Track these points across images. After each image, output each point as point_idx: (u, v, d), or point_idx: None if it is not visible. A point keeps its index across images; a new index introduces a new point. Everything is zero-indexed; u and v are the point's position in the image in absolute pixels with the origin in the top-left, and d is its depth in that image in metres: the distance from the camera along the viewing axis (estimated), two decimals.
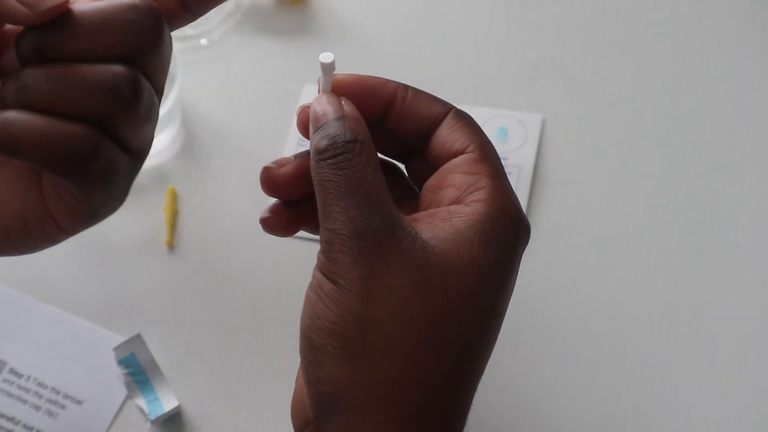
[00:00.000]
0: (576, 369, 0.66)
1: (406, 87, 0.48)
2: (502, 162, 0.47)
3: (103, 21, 0.43)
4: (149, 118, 0.44)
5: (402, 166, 0.50)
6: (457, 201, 0.45)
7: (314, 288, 0.44)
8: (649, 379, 0.65)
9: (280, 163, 0.48)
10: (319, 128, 0.45)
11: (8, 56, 0.44)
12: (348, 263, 0.42)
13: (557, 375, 0.66)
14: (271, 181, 0.48)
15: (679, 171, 0.72)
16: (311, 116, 0.46)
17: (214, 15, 0.80)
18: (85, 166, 0.43)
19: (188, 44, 0.78)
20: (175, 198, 0.72)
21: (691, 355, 0.66)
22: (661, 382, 0.65)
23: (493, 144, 0.47)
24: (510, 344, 0.67)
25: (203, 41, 0.79)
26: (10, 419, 0.65)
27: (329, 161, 0.44)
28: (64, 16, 0.42)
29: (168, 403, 0.64)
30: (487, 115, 0.74)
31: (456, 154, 0.47)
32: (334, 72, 0.47)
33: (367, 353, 0.42)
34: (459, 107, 0.48)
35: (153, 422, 0.63)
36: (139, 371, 0.64)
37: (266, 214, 0.49)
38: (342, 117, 0.45)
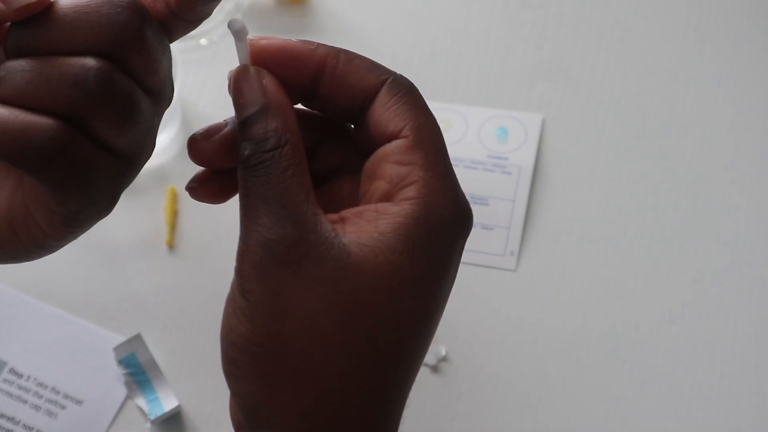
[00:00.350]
0: (576, 368, 0.66)
1: (338, 53, 0.44)
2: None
3: (78, 15, 0.42)
4: (128, 118, 0.42)
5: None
6: (387, 196, 0.42)
7: (229, 300, 0.42)
8: (650, 379, 0.65)
9: (209, 133, 0.45)
10: (243, 122, 0.43)
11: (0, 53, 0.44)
12: (255, 276, 0.40)
13: (557, 374, 0.66)
14: (199, 153, 0.45)
15: (678, 171, 0.72)
16: (232, 96, 0.43)
17: (214, 15, 0.80)
18: (49, 161, 0.41)
19: (188, 44, 0.78)
20: (175, 198, 0.72)
21: (691, 354, 0.66)
22: (661, 382, 0.65)
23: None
24: (510, 344, 0.67)
25: (203, 41, 0.79)
26: (10, 419, 0.65)
27: (249, 170, 0.42)
28: (44, 12, 0.42)
29: (168, 403, 0.64)
30: (486, 115, 0.74)
31: (389, 138, 0.43)
32: (251, 37, 0.44)
33: (279, 371, 0.41)
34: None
35: (153, 422, 0.63)
36: (139, 371, 0.64)
37: (192, 184, 0.46)
38: (264, 109, 0.42)
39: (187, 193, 0.49)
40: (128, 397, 0.65)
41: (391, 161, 0.42)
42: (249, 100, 0.43)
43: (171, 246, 0.70)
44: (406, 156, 0.42)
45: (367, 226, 0.41)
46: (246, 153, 0.42)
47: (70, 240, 0.45)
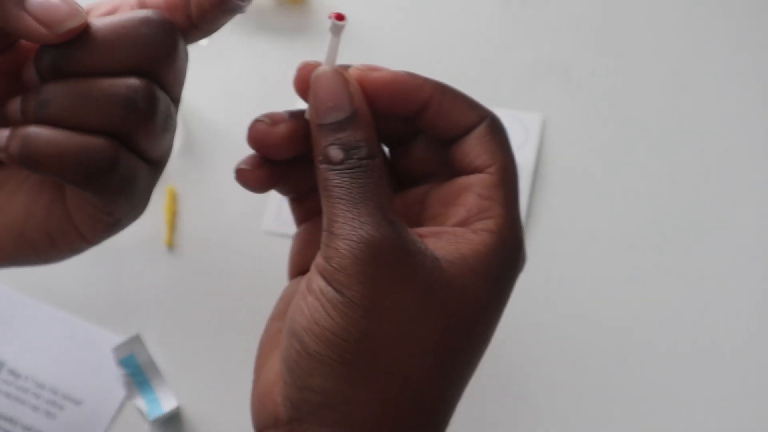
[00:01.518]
0: (576, 368, 0.66)
1: (443, 89, 0.46)
2: None
3: (117, 36, 0.44)
4: (166, 129, 0.45)
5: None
6: (463, 223, 0.44)
7: (315, 293, 0.41)
8: (650, 379, 0.65)
9: (274, 120, 0.46)
10: (325, 125, 0.44)
11: (28, 71, 0.46)
12: (355, 273, 0.41)
13: (557, 374, 0.66)
14: (262, 138, 0.46)
15: (679, 170, 0.72)
16: (314, 95, 0.45)
17: None
18: (103, 177, 0.44)
19: (188, 44, 0.78)
20: (174, 198, 0.72)
21: (691, 354, 0.66)
22: (661, 382, 0.65)
23: None
24: (509, 344, 0.67)
25: (203, 41, 0.79)
26: (9, 419, 0.65)
27: (343, 171, 0.43)
28: (81, 33, 0.43)
29: (167, 403, 0.63)
30: None
31: (475, 171, 0.45)
32: (360, 66, 0.45)
33: (368, 372, 0.41)
34: None
35: (152, 423, 0.63)
36: (138, 371, 0.64)
37: (244, 166, 0.47)
38: (353, 118, 0.44)
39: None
40: (127, 398, 0.65)
41: (474, 192, 0.44)
42: (337, 105, 0.44)
43: (171, 246, 0.70)
44: (490, 191, 0.44)
45: (448, 247, 0.43)
46: (337, 156, 0.43)
47: (104, 240, 0.48)
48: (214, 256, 0.70)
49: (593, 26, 0.78)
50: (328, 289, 0.41)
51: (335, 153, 0.43)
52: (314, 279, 0.42)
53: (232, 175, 0.74)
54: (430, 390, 0.42)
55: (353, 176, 0.42)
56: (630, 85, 0.76)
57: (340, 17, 0.44)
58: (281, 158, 0.46)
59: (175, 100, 0.46)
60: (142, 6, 0.47)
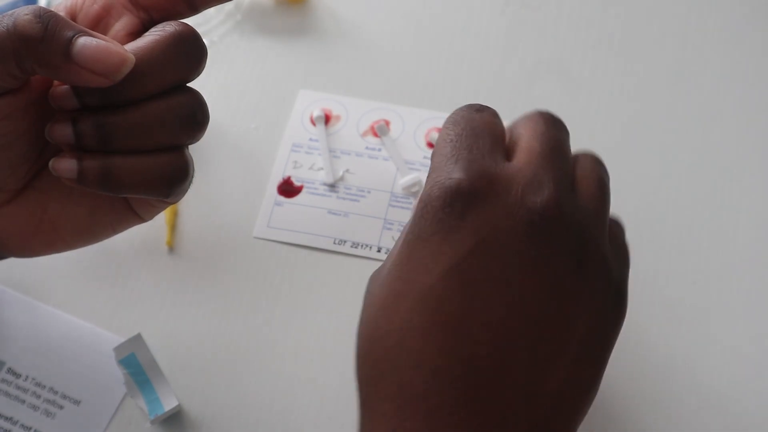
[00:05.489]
0: None
1: None
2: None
3: (156, 61, 0.47)
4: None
5: None
6: None
7: None
8: (649, 380, 0.65)
9: None
10: None
11: (64, 97, 0.48)
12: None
13: None
14: None
15: (677, 172, 0.72)
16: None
17: (214, 15, 0.80)
18: (182, 185, 0.50)
19: None
20: None
21: (691, 354, 0.66)
22: (661, 382, 0.65)
23: None
24: None
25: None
26: (8, 419, 0.65)
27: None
28: None
29: (168, 402, 0.63)
30: None
31: None
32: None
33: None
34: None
35: (152, 422, 0.63)
36: (139, 371, 0.64)
37: None
38: None
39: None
40: (126, 397, 0.65)
41: None
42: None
43: (171, 246, 0.70)
44: None
45: None
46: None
47: None
48: (215, 256, 0.70)
49: (593, 27, 0.78)
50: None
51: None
52: None
53: (232, 175, 0.74)
54: None
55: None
56: (630, 88, 0.76)
57: None
58: None
59: None
60: (134, 2, 0.49)
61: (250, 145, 0.74)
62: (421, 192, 0.51)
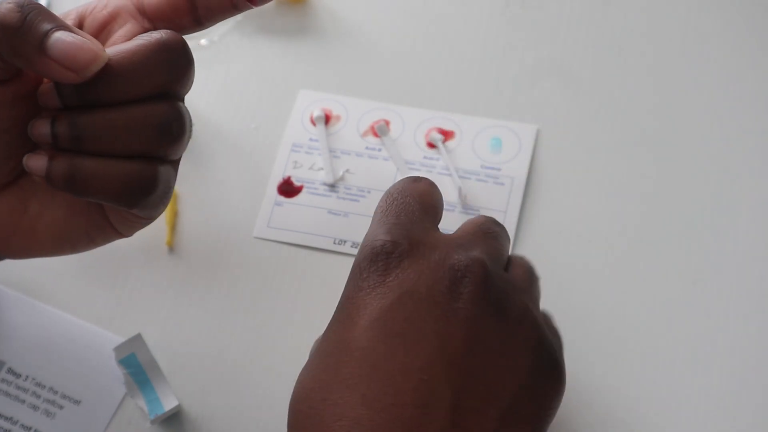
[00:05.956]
0: (576, 369, 0.66)
1: None
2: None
3: (137, 65, 0.46)
4: (189, 137, 0.49)
5: None
6: None
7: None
8: (650, 380, 0.65)
9: None
10: None
11: (48, 96, 0.48)
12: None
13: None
14: None
15: (676, 178, 0.72)
16: None
17: None
18: (147, 196, 0.48)
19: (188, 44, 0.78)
20: (175, 198, 0.72)
21: (691, 355, 0.66)
22: (661, 383, 0.65)
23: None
24: None
25: (203, 41, 0.79)
26: (8, 419, 0.65)
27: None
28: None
29: (168, 402, 0.63)
30: (481, 125, 0.74)
31: None
32: None
33: None
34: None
35: (153, 422, 0.63)
36: (139, 371, 0.64)
37: None
38: None
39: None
40: (126, 397, 0.65)
41: None
42: None
43: (171, 246, 0.70)
44: None
45: None
46: None
47: None
48: (215, 256, 0.70)
49: (593, 27, 0.78)
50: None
51: None
52: None
53: (232, 175, 0.74)
54: None
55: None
56: (627, 95, 0.75)
57: None
58: None
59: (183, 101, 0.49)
60: (141, 9, 0.48)
61: (250, 145, 0.74)
62: None
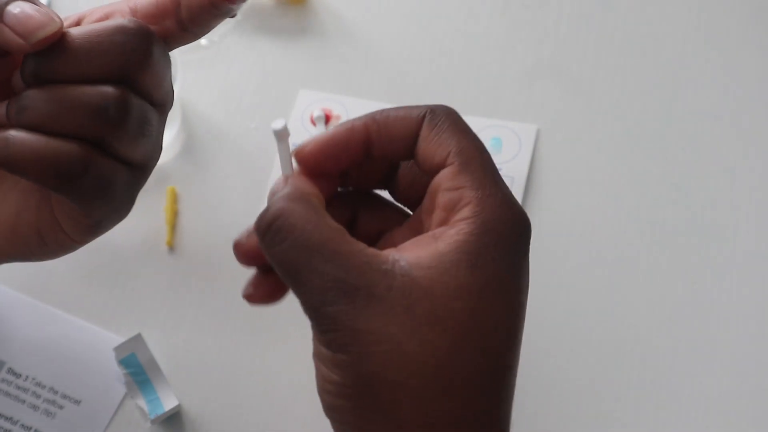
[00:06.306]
0: (567, 379, 0.66)
1: (373, 117, 0.47)
2: None
3: (92, 44, 0.45)
4: (143, 134, 0.46)
5: (384, 192, 0.50)
6: (444, 222, 0.44)
7: (315, 355, 0.44)
8: (650, 380, 0.65)
9: (250, 232, 0.48)
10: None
11: (16, 78, 0.48)
12: (332, 329, 0.42)
13: (550, 384, 0.66)
14: (242, 251, 0.49)
15: (676, 179, 0.72)
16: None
17: None
18: (76, 181, 0.45)
19: (188, 44, 0.78)
20: (175, 198, 0.72)
21: (691, 355, 0.66)
22: (661, 382, 0.65)
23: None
24: None
25: (203, 41, 0.79)
26: (8, 419, 0.65)
27: (265, 242, 0.45)
28: (59, 42, 0.45)
29: (168, 402, 0.64)
30: (482, 125, 0.74)
31: (438, 168, 0.45)
32: (295, 148, 0.46)
33: (376, 408, 0.42)
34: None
35: (153, 421, 0.63)
36: (139, 371, 0.64)
37: (248, 290, 0.50)
38: (277, 192, 0.46)
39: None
40: (126, 397, 0.65)
41: (443, 189, 0.44)
42: (272, 193, 0.46)
43: (171, 246, 0.70)
44: (455, 181, 0.44)
45: (426, 250, 0.43)
46: (255, 226, 0.45)
47: (92, 240, 0.49)
48: (215, 256, 0.70)
49: (593, 27, 0.78)
50: (321, 348, 0.43)
51: (257, 229, 0.45)
52: (314, 342, 0.45)
53: (232, 175, 0.74)
54: (446, 402, 0.42)
55: (275, 242, 0.44)
56: (626, 96, 0.75)
57: (278, 124, 0.46)
58: (266, 263, 0.47)
59: (157, 104, 0.47)
60: (133, 11, 0.48)
61: (250, 145, 0.74)
62: None
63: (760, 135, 0.73)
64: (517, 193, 0.71)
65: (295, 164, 0.47)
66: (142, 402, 0.64)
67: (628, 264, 0.69)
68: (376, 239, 0.49)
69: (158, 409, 0.63)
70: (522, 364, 0.67)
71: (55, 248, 0.50)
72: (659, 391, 0.65)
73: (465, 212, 0.43)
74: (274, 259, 0.44)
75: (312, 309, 0.43)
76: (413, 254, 0.43)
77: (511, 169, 0.72)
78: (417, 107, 0.47)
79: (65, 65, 0.45)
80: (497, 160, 0.72)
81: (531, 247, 0.69)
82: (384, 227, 0.49)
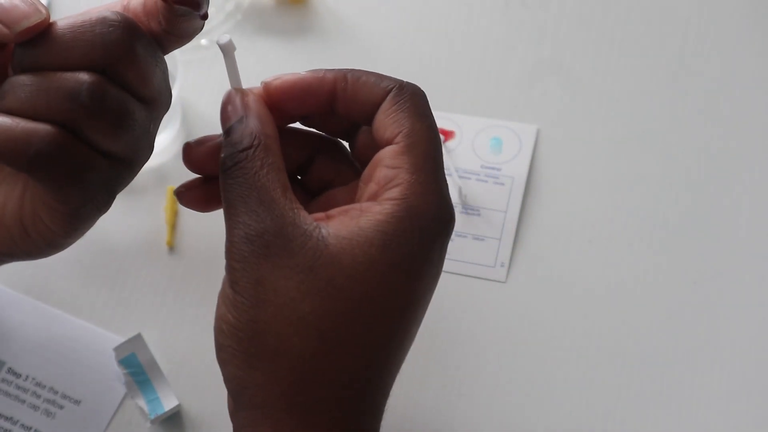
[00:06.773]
0: (566, 380, 0.66)
1: (345, 74, 0.48)
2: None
3: (75, 35, 0.46)
4: (122, 126, 0.46)
5: (345, 143, 0.51)
6: (374, 197, 0.46)
7: (220, 294, 0.46)
8: (650, 380, 0.65)
9: (202, 140, 0.50)
10: (225, 132, 0.47)
11: (9, 68, 0.48)
12: (241, 269, 0.44)
13: (548, 386, 0.66)
14: (190, 157, 0.50)
15: (675, 179, 0.72)
16: (220, 117, 0.48)
17: (214, 15, 0.80)
18: (47, 162, 0.45)
19: (188, 44, 0.78)
20: (175, 198, 0.72)
21: (691, 354, 0.66)
22: (661, 382, 0.65)
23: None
24: (498, 356, 0.67)
25: (203, 41, 0.79)
26: (8, 419, 0.65)
27: (227, 171, 0.46)
28: (44, 33, 0.46)
29: (168, 402, 0.64)
30: (481, 125, 0.74)
31: (386, 143, 0.47)
32: (267, 79, 0.48)
33: (260, 354, 0.44)
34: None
35: (153, 421, 0.63)
36: (139, 371, 0.64)
37: (180, 189, 0.51)
38: (243, 117, 0.47)
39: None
40: (126, 397, 0.65)
41: (383, 165, 0.46)
42: (231, 114, 0.47)
43: (171, 246, 0.70)
44: (396, 160, 0.46)
45: (349, 222, 0.45)
46: (223, 155, 0.46)
47: (77, 237, 0.49)
48: (215, 256, 0.69)
49: (593, 27, 0.78)
50: (226, 288, 0.45)
51: (222, 153, 0.46)
52: (222, 281, 0.46)
53: None
54: (322, 364, 0.44)
55: (233, 176, 0.46)
56: (627, 96, 0.75)
57: (223, 38, 0.47)
58: (215, 174, 0.48)
59: (146, 100, 0.47)
60: (125, 10, 0.48)
61: None
62: None
63: (761, 135, 0.73)
64: (517, 193, 0.71)
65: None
66: (142, 402, 0.64)
67: (628, 264, 0.69)
68: (321, 190, 0.51)
69: (158, 409, 0.63)
70: (522, 363, 0.67)
71: (40, 242, 0.49)
72: (659, 391, 0.65)
73: (394, 192, 0.45)
74: (227, 181, 0.46)
75: (231, 242, 0.45)
76: (337, 223, 0.45)
77: (511, 169, 0.72)
78: (389, 78, 0.48)
79: (47, 54, 0.46)
80: (497, 160, 0.72)
81: (531, 247, 0.70)
82: (334, 179, 0.50)
